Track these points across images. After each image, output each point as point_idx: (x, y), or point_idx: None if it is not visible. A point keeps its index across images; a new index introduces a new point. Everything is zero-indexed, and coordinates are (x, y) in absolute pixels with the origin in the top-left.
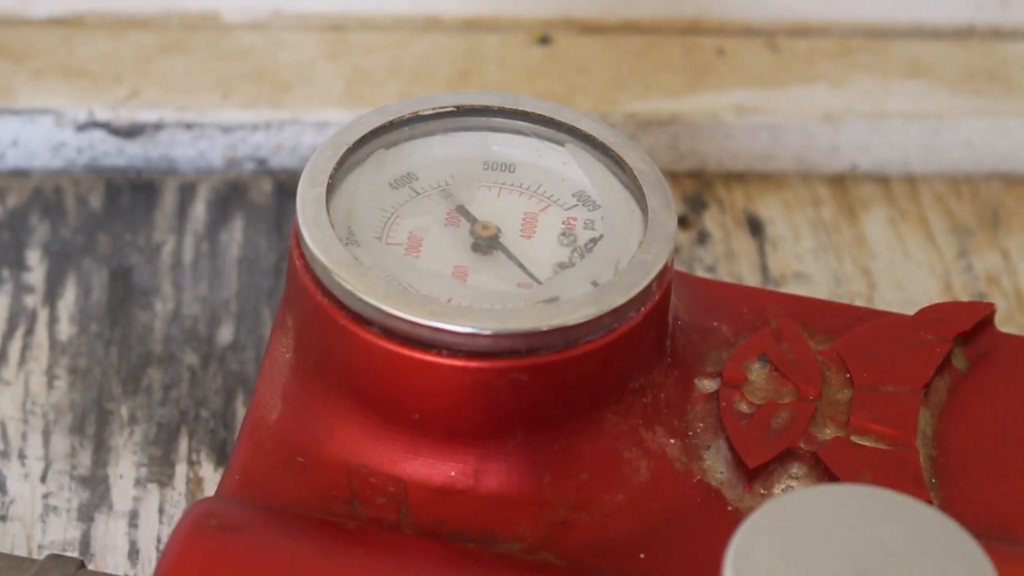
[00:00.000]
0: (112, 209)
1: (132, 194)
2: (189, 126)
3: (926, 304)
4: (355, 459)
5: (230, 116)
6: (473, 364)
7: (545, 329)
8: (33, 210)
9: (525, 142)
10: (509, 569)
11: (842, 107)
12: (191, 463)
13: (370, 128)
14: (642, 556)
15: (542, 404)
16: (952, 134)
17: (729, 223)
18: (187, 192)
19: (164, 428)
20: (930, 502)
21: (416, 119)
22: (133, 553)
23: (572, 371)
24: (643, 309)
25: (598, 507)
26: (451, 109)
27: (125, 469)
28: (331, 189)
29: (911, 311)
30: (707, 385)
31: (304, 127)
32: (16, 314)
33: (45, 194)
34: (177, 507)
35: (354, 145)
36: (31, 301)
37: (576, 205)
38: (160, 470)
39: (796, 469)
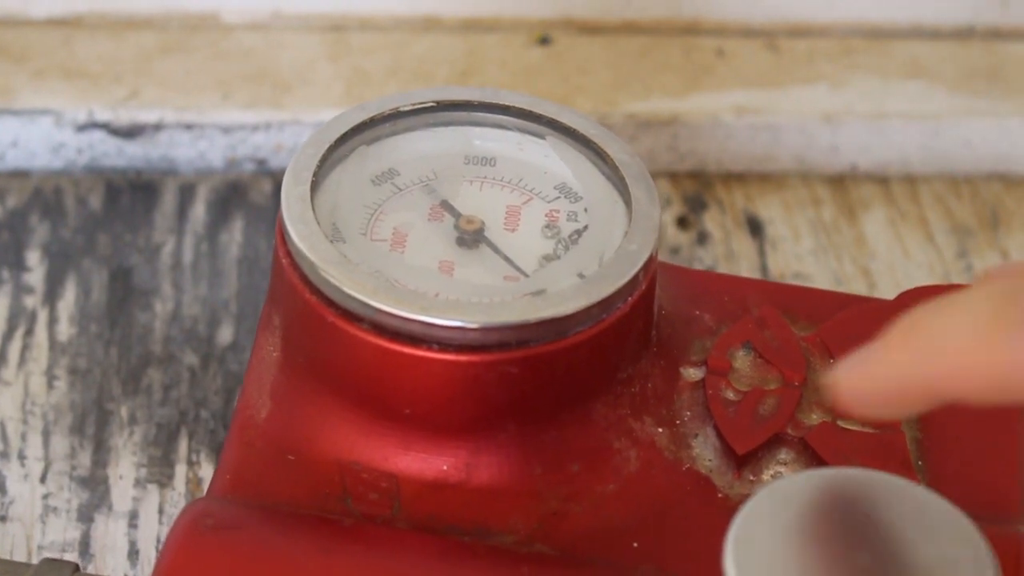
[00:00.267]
0: (112, 210)
1: (132, 195)
2: (189, 127)
3: None
4: (346, 456)
5: (230, 117)
6: (463, 358)
7: (534, 321)
8: (33, 211)
9: (506, 136)
10: (503, 561)
11: (842, 107)
12: (191, 463)
13: (351, 125)
14: (635, 545)
15: (532, 396)
16: (952, 134)
17: (729, 223)
18: (187, 193)
19: (164, 428)
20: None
21: (397, 115)
22: (133, 553)
23: (562, 363)
24: (630, 299)
25: (590, 498)
26: (431, 105)
27: (125, 469)
28: (315, 186)
29: None
30: (693, 374)
31: (304, 127)
32: (16, 314)
33: (45, 195)
34: (177, 507)
35: (336, 142)
36: (31, 302)
37: (558, 197)
38: (160, 470)
39: (784, 455)
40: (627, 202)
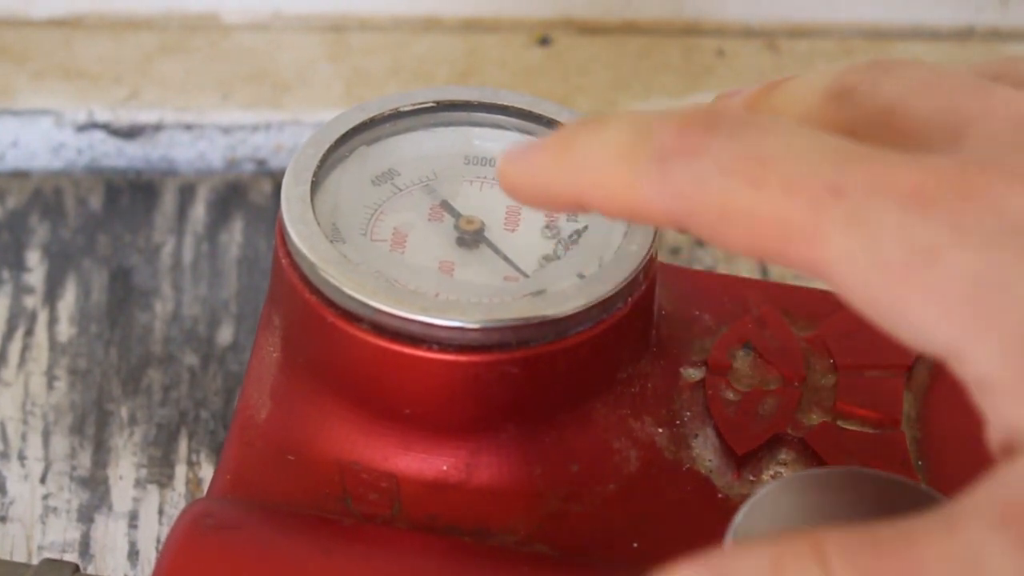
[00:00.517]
0: (112, 210)
1: (132, 195)
2: (189, 127)
3: None
4: (346, 456)
5: (230, 117)
6: (463, 358)
7: (534, 322)
8: (33, 211)
9: (506, 136)
10: (503, 562)
11: None
12: (191, 464)
13: (351, 125)
14: (635, 545)
15: (532, 396)
16: None
17: None
18: (187, 193)
19: (164, 429)
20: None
21: (397, 115)
22: (133, 554)
23: (562, 363)
24: (630, 299)
25: (590, 498)
26: (431, 105)
27: (125, 470)
28: (315, 186)
29: None
30: (692, 374)
31: (304, 128)
32: (16, 315)
33: (45, 195)
34: (177, 508)
35: (336, 142)
36: (31, 302)
37: None
38: (160, 471)
39: (784, 455)
40: None
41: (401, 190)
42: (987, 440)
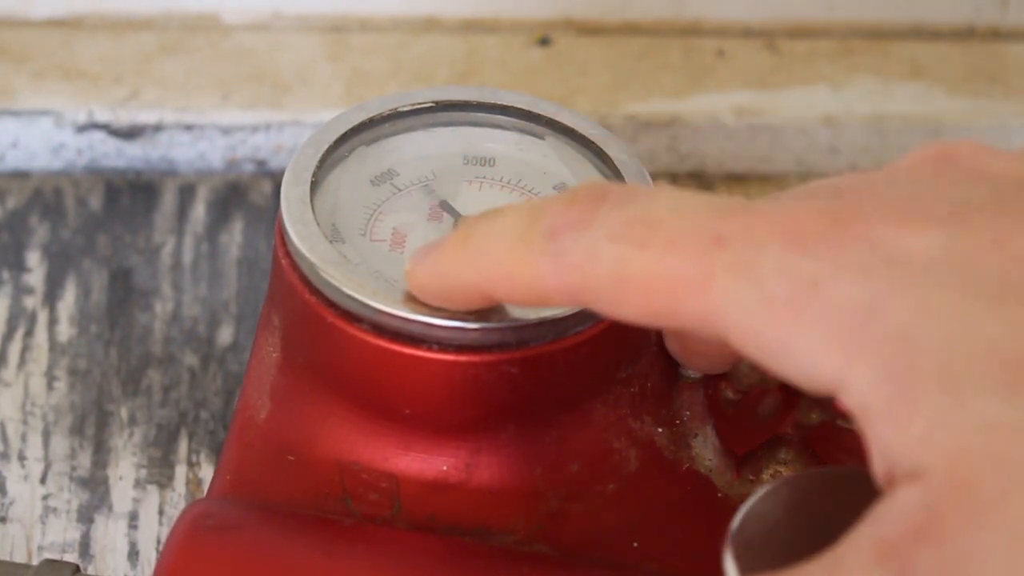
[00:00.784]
0: (112, 210)
1: (132, 195)
2: (189, 127)
3: None
4: (346, 456)
5: (230, 117)
6: (463, 358)
7: (534, 322)
8: (33, 211)
9: (505, 136)
10: (504, 562)
11: (842, 109)
12: (191, 464)
13: (351, 125)
14: (635, 545)
15: (532, 396)
16: (952, 136)
17: None
18: (187, 193)
19: (164, 429)
20: None
21: (396, 115)
22: (133, 554)
23: (561, 363)
24: None
25: (590, 498)
26: (430, 105)
27: (125, 470)
28: (314, 187)
29: None
30: (692, 374)
31: (304, 128)
32: (16, 315)
33: (45, 195)
34: (177, 508)
35: (335, 142)
36: (31, 302)
37: None
38: (160, 471)
39: (784, 455)
40: None
41: (400, 190)
42: (872, 472)
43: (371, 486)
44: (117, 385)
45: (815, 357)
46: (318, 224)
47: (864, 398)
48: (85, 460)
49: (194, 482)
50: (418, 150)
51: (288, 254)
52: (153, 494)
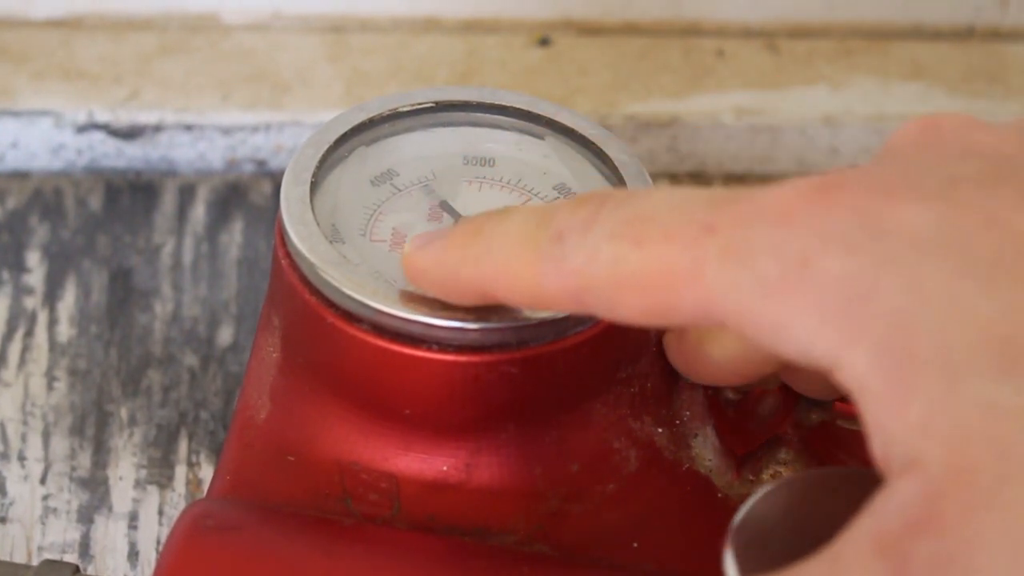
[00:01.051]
0: (112, 211)
1: (132, 196)
2: (189, 128)
3: None
4: (346, 456)
5: (230, 118)
6: (463, 358)
7: (534, 322)
8: (33, 212)
9: (505, 136)
10: (504, 562)
11: (842, 109)
12: (191, 464)
13: (351, 125)
14: (635, 545)
15: (532, 397)
16: None
17: None
18: (187, 194)
19: (164, 430)
20: None
21: (396, 116)
22: (133, 555)
23: (561, 363)
24: None
25: (590, 498)
26: (430, 105)
27: (125, 471)
28: (314, 187)
29: None
30: None
31: (304, 129)
32: (16, 316)
33: (45, 196)
34: (177, 509)
35: (335, 143)
36: (31, 303)
37: (557, 198)
38: (160, 472)
39: (784, 455)
40: None
41: (400, 190)
42: (871, 453)
43: (371, 486)
44: (117, 385)
45: (809, 334)
46: (318, 224)
47: (861, 379)
48: (85, 460)
49: (194, 482)
50: (418, 150)
51: (288, 254)
52: (153, 494)
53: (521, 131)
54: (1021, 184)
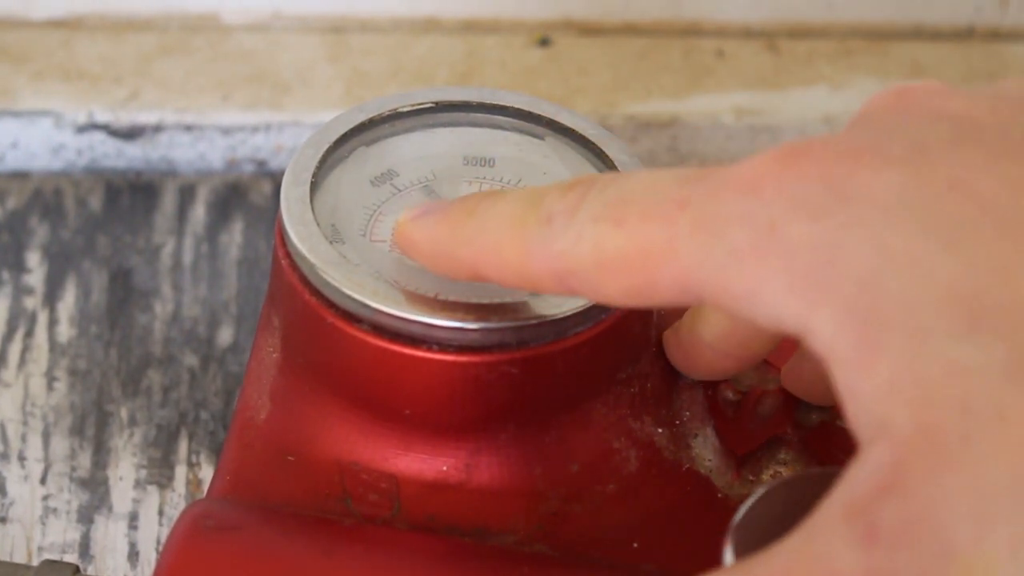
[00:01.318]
0: (112, 211)
1: (132, 196)
2: (189, 128)
3: None
4: (346, 456)
5: (230, 118)
6: (463, 359)
7: (534, 322)
8: (33, 212)
9: (505, 137)
10: (504, 562)
11: (842, 109)
12: (191, 465)
13: (351, 126)
14: (635, 545)
15: (532, 397)
16: None
17: None
18: (187, 194)
19: (164, 430)
20: None
21: (396, 116)
22: (133, 555)
23: (562, 363)
24: None
25: (590, 498)
26: (430, 105)
27: (125, 471)
28: (314, 187)
29: None
30: None
31: (304, 129)
32: (16, 316)
33: (45, 196)
34: (177, 509)
35: (335, 143)
36: (31, 303)
37: None
38: (160, 472)
39: (784, 455)
40: None
41: (400, 191)
42: (845, 420)
43: (371, 486)
44: (117, 386)
45: (780, 299)
46: (318, 224)
47: (829, 343)
48: (85, 460)
49: (194, 482)
50: (418, 151)
51: (288, 254)
52: (153, 494)
53: (521, 131)
54: (987, 146)
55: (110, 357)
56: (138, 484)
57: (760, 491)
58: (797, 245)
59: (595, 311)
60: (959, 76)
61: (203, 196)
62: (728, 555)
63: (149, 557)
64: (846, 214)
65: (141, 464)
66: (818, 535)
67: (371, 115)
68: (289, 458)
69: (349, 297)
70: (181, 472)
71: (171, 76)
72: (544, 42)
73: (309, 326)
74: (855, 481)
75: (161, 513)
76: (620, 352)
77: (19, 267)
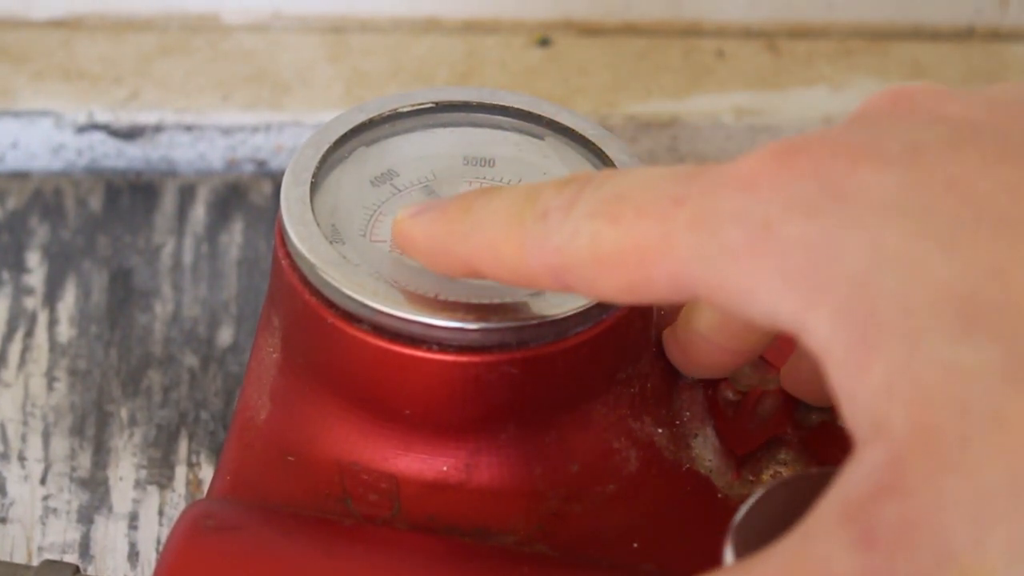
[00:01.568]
0: (112, 211)
1: (132, 196)
2: (189, 128)
3: None
4: (346, 456)
5: (230, 118)
6: (463, 359)
7: (534, 322)
8: (33, 212)
9: (505, 137)
10: (504, 562)
11: (842, 109)
12: (191, 465)
13: (351, 126)
14: (635, 545)
15: (532, 397)
16: None
17: None
18: (187, 194)
19: (164, 430)
20: None
21: (396, 116)
22: (133, 555)
23: (561, 364)
24: None
25: (590, 498)
26: (430, 105)
27: (125, 471)
28: (314, 187)
29: None
30: None
31: (304, 129)
32: (16, 316)
33: (45, 196)
34: (177, 509)
35: (335, 143)
36: (31, 303)
37: None
38: (160, 472)
39: (784, 455)
40: None
41: (400, 191)
42: (841, 421)
43: (371, 486)
44: (117, 386)
45: (775, 299)
46: (318, 225)
47: (825, 342)
48: (85, 461)
49: (194, 482)
50: (418, 151)
51: (288, 255)
52: (153, 495)
53: (521, 131)
54: (984, 148)
55: (110, 357)
56: (138, 484)
57: (760, 491)
58: (792, 243)
59: (595, 311)
60: (959, 76)
61: (203, 196)
62: (728, 555)
63: (149, 557)
64: (842, 213)
65: (141, 464)
66: (814, 537)
67: (371, 115)
68: (289, 458)
69: (349, 297)
70: (181, 472)
71: (171, 76)
72: (544, 42)
73: (309, 326)
74: (851, 482)
75: (161, 513)
76: (620, 352)
77: (19, 267)
